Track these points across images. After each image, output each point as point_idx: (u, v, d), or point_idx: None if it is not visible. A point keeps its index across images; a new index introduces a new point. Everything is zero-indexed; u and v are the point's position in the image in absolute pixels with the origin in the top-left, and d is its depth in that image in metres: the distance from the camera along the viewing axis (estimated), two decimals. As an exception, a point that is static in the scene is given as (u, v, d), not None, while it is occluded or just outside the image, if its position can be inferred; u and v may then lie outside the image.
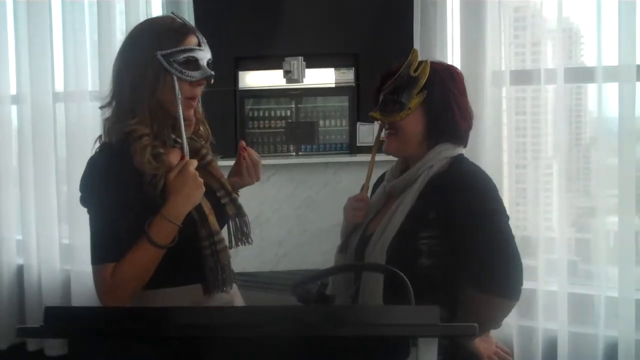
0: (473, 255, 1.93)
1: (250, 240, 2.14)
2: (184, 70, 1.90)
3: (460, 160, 2.10)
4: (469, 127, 2.15)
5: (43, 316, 1.11)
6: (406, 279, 1.38)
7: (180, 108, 1.89)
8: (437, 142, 2.08)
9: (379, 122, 2.16)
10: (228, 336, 1.05)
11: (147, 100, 1.90)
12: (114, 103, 1.96)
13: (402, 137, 2.09)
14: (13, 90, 4.37)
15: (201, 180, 1.91)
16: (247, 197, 5.05)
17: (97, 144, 1.99)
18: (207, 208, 1.95)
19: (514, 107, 3.28)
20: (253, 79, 7.18)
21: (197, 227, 1.93)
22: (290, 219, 5.36)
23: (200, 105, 2.10)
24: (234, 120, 7.00)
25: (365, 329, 1.05)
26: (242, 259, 4.99)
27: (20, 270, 4.37)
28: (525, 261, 3.01)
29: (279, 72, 5.60)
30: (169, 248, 1.86)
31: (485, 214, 1.95)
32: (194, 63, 1.92)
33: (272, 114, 7.57)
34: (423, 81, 2.05)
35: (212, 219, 1.95)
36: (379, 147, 2.23)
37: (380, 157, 2.25)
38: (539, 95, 3.22)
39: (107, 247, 1.87)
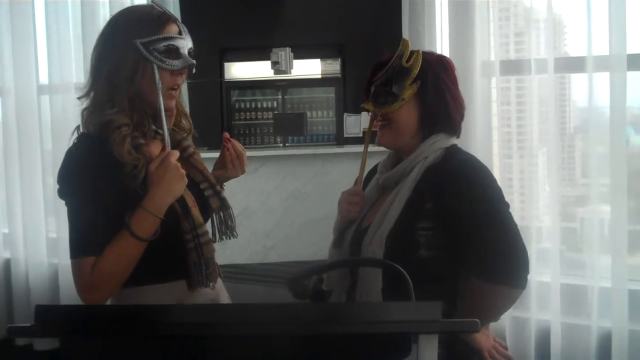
0: (476, 243, 1.90)
1: (235, 233, 2.08)
2: (164, 59, 1.84)
3: (454, 150, 2.08)
4: (461, 117, 2.13)
5: (34, 315, 1.08)
6: (405, 274, 1.35)
7: (161, 98, 1.84)
8: (430, 132, 2.05)
9: (370, 113, 2.13)
10: (223, 335, 1.03)
11: (125, 89, 1.83)
12: (92, 93, 1.90)
13: (395, 128, 2.05)
14: (-3, 84, 4.31)
15: (183, 171, 1.85)
16: (234, 189, 5.03)
17: (75, 135, 1.92)
18: (190, 200, 1.89)
19: (499, 97, 3.27)
20: (239, 70, 7.14)
21: (180, 219, 1.87)
22: (278, 211, 5.34)
23: (182, 96, 2.05)
24: (219, 112, 6.97)
25: (365, 327, 1.02)
26: (230, 252, 4.99)
27: (7, 264, 4.35)
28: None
29: (266, 63, 5.56)
30: (151, 242, 1.81)
31: (486, 201, 1.92)
32: (174, 52, 1.86)
33: (259, 105, 7.53)
34: (416, 71, 2.02)
35: (196, 212, 1.90)
36: (370, 139, 2.20)
37: (372, 148, 2.21)
38: (524, 85, 3.22)
39: (87, 240, 1.80)
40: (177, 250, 1.88)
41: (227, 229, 2.05)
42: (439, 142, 2.05)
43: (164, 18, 1.89)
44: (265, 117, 7.26)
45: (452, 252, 1.96)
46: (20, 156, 4.22)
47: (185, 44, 1.90)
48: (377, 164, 2.25)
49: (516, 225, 1.93)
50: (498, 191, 1.97)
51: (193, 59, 1.91)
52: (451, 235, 1.94)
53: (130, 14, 1.95)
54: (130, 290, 1.87)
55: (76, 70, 4.09)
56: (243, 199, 5.27)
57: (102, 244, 1.79)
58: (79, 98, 1.95)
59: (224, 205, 2.05)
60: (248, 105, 7.48)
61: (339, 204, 2.14)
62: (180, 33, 1.90)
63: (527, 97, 3.21)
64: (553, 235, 3.09)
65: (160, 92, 1.84)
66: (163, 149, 1.89)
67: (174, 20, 1.91)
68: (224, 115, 7.08)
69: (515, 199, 3.23)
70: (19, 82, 4.21)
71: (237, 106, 7.42)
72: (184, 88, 3.96)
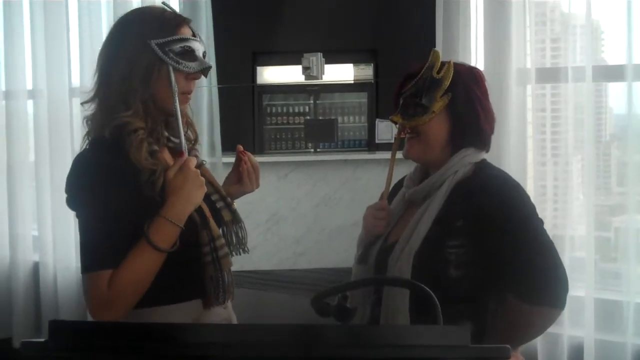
0: (513, 263, 1.83)
1: (246, 249, 1.99)
2: (180, 61, 1.76)
3: (484, 165, 2.02)
4: (492, 130, 2.05)
5: (48, 330, 1.04)
6: (433, 295, 1.29)
7: (177, 101, 1.77)
8: (460, 146, 1.99)
9: (398, 126, 2.07)
10: (239, 356, 0.98)
11: (140, 92, 1.75)
12: (97, 99, 1.80)
13: (425, 141, 1.98)
14: (29, 85, 4.35)
15: (202, 179, 1.78)
16: (264, 194, 4.98)
17: (86, 142, 1.82)
18: (207, 211, 1.82)
19: (534, 104, 3.19)
20: (271, 75, 7.13)
21: (199, 230, 1.78)
22: (309, 217, 5.31)
23: (189, 106, 1.95)
24: (251, 117, 6.95)
25: (389, 351, 0.97)
26: (259, 257, 4.97)
27: (36, 268, 4.35)
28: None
29: (297, 68, 5.53)
30: (167, 258, 1.72)
31: (520, 219, 1.86)
32: (190, 54, 1.79)
33: (290, 110, 7.51)
34: (447, 83, 1.96)
35: (213, 223, 1.82)
36: (396, 152, 2.13)
37: (398, 156, 2.14)
38: (559, 92, 3.15)
39: (103, 252, 1.69)
40: (193, 264, 1.80)
41: (238, 242, 1.97)
42: (469, 157, 1.98)
43: (178, 19, 1.82)
44: (296, 122, 7.23)
45: (484, 271, 1.90)
46: (51, 159, 4.22)
47: (200, 46, 1.83)
48: (404, 177, 2.18)
49: (552, 243, 1.87)
50: (532, 208, 1.91)
51: (208, 63, 1.86)
52: (483, 254, 1.87)
53: (141, 14, 1.88)
54: (142, 312, 1.76)
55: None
56: (273, 205, 5.26)
57: (119, 255, 1.69)
58: (82, 103, 1.85)
59: (235, 218, 1.97)
60: (279, 110, 7.46)
61: (365, 219, 2.07)
62: (194, 35, 1.83)
63: (562, 104, 3.13)
64: (587, 244, 3.01)
65: (176, 95, 1.76)
66: (180, 154, 1.80)
67: (187, 22, 1.84)
68: (255, 120, 7.06)
69: (549, 206, 3.17)
70: (50, 84, 4.21)
71: (268, 111, 7.40)
72: (214, 93, 3.97)
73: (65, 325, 1.06)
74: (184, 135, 1.88)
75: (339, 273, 4.68)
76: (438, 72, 1.97)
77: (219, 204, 1.93)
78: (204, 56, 1.85)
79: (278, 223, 5.28)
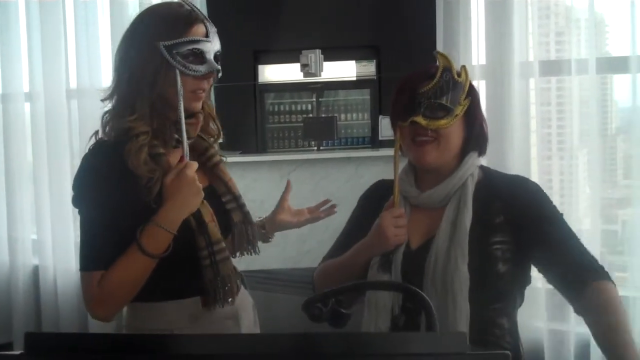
0: (568, 253, 1.86)
1: (257, 250, 1.99)
2: (187, 64, 1.73)
3: (487, 168, 2.08)
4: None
5: (24, 342, 0.99)
6: (427, 299, 1.24)
7: (182, 105, 1.73)
8: (467, 151, 1.98)
9: (399, 129, 2.00)
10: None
11: (147, 94, 1.73)
12: (115, 96, 1.80)
13: (444, 145, 1.93)
14: (26, 88, 4.31)
15: (200, 185, 1.74)
16: (267, 193, 4.96)
17: (92, 140, 1.82)
18: (207, 215, 1.79)
19: (539, 98, 3.15)
20: (273, 73, 7.08)
21: (195, 235, 1.77)
22: (313, 216, 5.26)
23: (213, 99, 1.95)
24: (253, 115, 6.92)
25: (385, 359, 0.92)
26: (265, 257, 4.91)
27: (35, 271, 4.32)
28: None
29: (299, 66, 5.50)
30: (165, 258, 1.72)
31: (555, 214, 1.94)
32: (199, 56, 1.75)
33: (293, 108, 7.47)
34: (467, 87, 1.94)
35: (212, 227, 1.79)
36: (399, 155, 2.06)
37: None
38: (564, 86, 3.12)
39: (96, 253, 1.73)
40: (192, 267, 1.78)
41: (247, 243, 1.96)
42: (477, 160, 2.01)
43: (191, 18, 1.77)
44: (299, 120, 7.19)
45: (521, 269, 1.92)
46: (49, 162, 4.19)
47: (212, 47, 1.78)
48: (377, 182, 2.20)
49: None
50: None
51: (219, 63, 1.81)
52: (522, 248, 1.89)
53: (154, 12, 1.83)
54: (141, 305, 1.80)
55: (106, 74, 4.03)
56: (276, 203, 5.21)
57: (111, 257, 1.71)
58: (102, 100, 1.84)
59: (246, 219, 1.95)
60: (282, 108, 7.43)
61: (386, 230, 1.94)
62: (207, 35, 1.78)
63: (567, 98, 3.10)
64: (594, 237, 2.95)
65: (181, 99, 1.72)
66: (181, 159, 1.77)
67: (202, 20, 1.78)
68: (257, 118, 7.03)
69: (555, 200, 3.08)
70: (48, 87, 4.17)
71: (271, 109, 7.36)
72: (213, 92, 3.93)
73: (41, 338, 1.02)
74: (206, 129, 1.92)
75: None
76: (459, 75, 1.93)
77: (230, 205, 1.92)
78: (216, 56, 1.80)
79: (282, 222, 5.25)
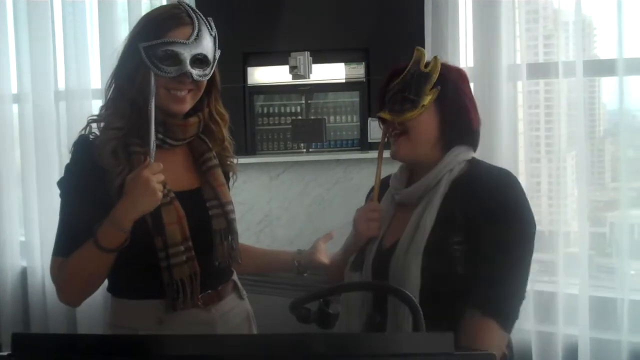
0: (486, 265, 1.76)
1: (238, 259, 1.98)
2: (160, 65, 1.77)
3: (477, 162, 1.96)
4: (479, 129, 2.00)
5: (11, 343, 0.99)
6: (413, 299, 1.24)
7: (153, 104, 1.77)
8: (452, 144, 1.92)
9: (382, 126, 2.00)
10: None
11: (126, 91, 1.81)
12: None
13: (413, 138, 1.90)
14: (14, 89, 4.29)
15: (156, 186, 1.73)
16: (256, 195, 4.93)
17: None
18: (172, 217, 1.80)
19: (527, 101, 3.17)
20: (262, 75, 7.07)
21: (153, 235, 1.79)
22: (301, 218, 5.26)
23: (220, 104, 1.99)
24: (242, 117, 6.90)
25: (370, 360, 0.93)
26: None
27: (24, 273, 4.30)
28: (543, 256, 2.95)
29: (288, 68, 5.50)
30: (129, 256, 1.76)
31: (516, 222, 1.80)
32: (172, 58, 1.78)
33: (282, 110, 7.45)
34: (435, 76, 1.89)
35: (172, 229, 1.79)
36: (383, 153, 2.05)
37: (385, 155, 2.07)
38: (553, 89, 3.13)
39: (63, 240, 1.81)
40: (154, 267, 1.80)
41: (228, 254, 1.94)
42: (462, 155, 1.92)
43: (175, 21, 1.80)
44: (288, 122, 7.16)
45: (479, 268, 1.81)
46: (37, 163, 4.17)
47: (190, 49, 1.79)
48: (388, 177, 2.11)
49: (530, 264, 1.81)
50: (529, 213, 1.83)
51: (209, 66, 1.84)
52: (481, 249, 1.79)
53: (147, 14, 1.90)
54: (115, 301, 1.88)
55: (94, 76, 4.04)
56: (265, 206, 5.21)
57: (73, 247, 1.76)
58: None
59: (229, 228, 1.94)
60: (271, 111, 7.40)
61: (357, 222, 1.97)
62: (196, 37, 1.80)
63: (555, 100, 3.12)
64: (582, 240, 2.98)
65: (152, 99, 1.77)
66: (144, 159, 1.79)
67: (190, 23, 1.81)
68: (246, 120, 7.01)
69: (543, 202, 3.15)
70: (36, 88, 4.15)
71: (260, 111, 7.34)
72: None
73: (28, 338, 1.02)
74: (211, 134, 1.97)
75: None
76: (425, 67, 1.92)
77: (214, 211, 1.92)
78: (199, 59, 1.82)
79: (271, 224, 5.24)
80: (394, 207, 2.01)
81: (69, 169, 1.86)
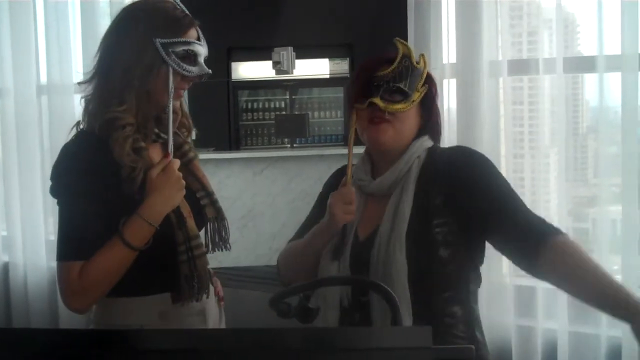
0: (515, 215, 1.78)
1: (228, 246, 1.99)
2: (181, 64, 1.78)
3: (437, 147, 2.01)
4: (440, 120, 2.07)
5: (-9, 339, 0.99)
6: (391, 292, 1.25)
7: (172, 102, 1.78)
8: (418, 136, 1.97)
9: (369, 109, 2.01)
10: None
11: (136, 87, 1.76)
12: (95, 82, 1.81)
13: (399, 129, 1.91)
14: (-4, 84, 4.25)
15: (184, 182, 1.79)
16: (240, 190, 4.92)
17: (74, 131, 1.84)
18: (185, 210, 1.82)
19: (510, 97, 3.19)
20: (247, 70, 7.08)
21: (174, 229, 1.79)
22: (285, 213, 5.26)
23: (186, 95, 1.96)
24: (226, 113, 6.91)
25: (348, 355, 0.94)
26: (236, 254, 4.92)
27: (5, 268, 4.28)
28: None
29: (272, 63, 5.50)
30: (141, 252, 1.74)
31: (498, 180, 1.86)
32: (193, 57, 1.80)
33: (267, 105, 7.47)
34: (425, 75, 1.95)
35: (191, 222, 1.82)
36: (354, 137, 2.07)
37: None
38: (536, 85, 3.16)
39: (76, 243, 1.73)
40: (167, 262, 1.79)
41: (220, 240, 1.97)
42: (425, 142, 1.96)
43: (186, 21, 1.82)
44: (272, 117, 7.18)
45: (466, 251, 1.86)
46: (19, 158, 4.15)
47: (203, 50, 1.84)
48: (340, 169, 2.14)
49: None
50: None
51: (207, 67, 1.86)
52: (467, 228, 1.83)
53: (151, 8, 1.83)
54: (110, 301, 1.80)
55: (76, 70, 4.02)
56: (249, 201, 5.21)
57: (91, 248, 1.71)
58: (79, 83, 1.86)
59: (219, 216, 1.96)
60: (256, 106, 7.42)
61: (332, 206, 1.90)
62: (198, 39, 1.83)
63: (539, 97, 3.15)
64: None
65: (171, 96, 1.77)
66: (166, 155, 1.80)
67: (194, 25, 1.84)
68: (231, 115, 7.02)
69: (527, 198, 3.15)
70: (18, 82, 4.13)
71: (244, 106, 7.35)
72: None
73: (10, 333, 1.02)
74: (181, 124, 1.94)
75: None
76: (417, 63, 1.94)
77: (204, 201, 1.94)
78: (205, 60, 1.85)
79: (254, 219, 5.24)
80: (363, 199, 2.02)
81: (70, 167, 1.77)
